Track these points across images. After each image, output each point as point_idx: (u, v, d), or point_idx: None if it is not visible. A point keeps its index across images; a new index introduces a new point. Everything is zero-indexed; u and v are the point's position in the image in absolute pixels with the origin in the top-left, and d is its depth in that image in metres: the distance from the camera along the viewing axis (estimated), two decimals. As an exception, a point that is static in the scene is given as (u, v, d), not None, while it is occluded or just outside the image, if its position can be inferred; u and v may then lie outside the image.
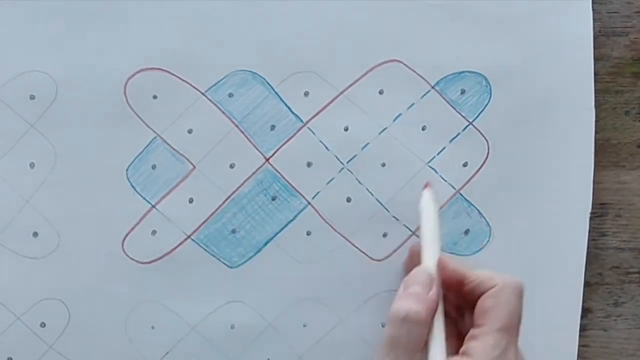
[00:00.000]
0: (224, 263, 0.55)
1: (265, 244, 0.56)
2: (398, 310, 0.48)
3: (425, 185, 0.53)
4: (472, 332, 0.49)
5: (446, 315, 0.50)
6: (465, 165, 0.57)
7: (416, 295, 0.49)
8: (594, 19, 0.57)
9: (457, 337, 0.51)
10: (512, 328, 0.49)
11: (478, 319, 0.49)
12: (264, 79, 0.55)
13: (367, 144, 0.56)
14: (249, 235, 0.56)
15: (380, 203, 0.56)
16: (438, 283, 0.50)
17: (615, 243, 0.59)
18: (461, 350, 0.49)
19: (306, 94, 0.56)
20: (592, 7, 0.57)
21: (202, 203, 0.55)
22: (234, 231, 0.55)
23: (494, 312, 0.49)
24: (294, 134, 0.56)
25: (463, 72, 0.56)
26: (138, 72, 0.54)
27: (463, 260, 0.56)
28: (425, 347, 0.48)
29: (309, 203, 0.56)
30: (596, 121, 0.57)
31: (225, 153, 0.55)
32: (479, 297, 0.49)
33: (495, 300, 0.49)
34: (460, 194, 0.57)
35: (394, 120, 0.56)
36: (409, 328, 0.48)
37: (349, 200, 0.56)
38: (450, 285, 0.51)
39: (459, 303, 0.51)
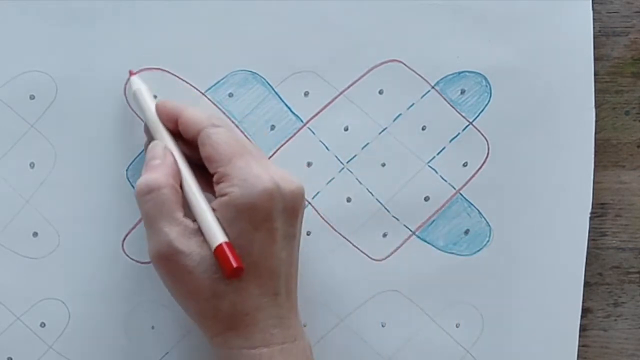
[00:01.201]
0: (224, 263, 0.55)
1: (265, 244, 0.56)
2: (138, 185, 0.49)
3: (131, 73, 0.54)
4: (214, 178, 0.49)
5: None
6: (465, 165, 0.57)
7: (153, 167, 0.50)
8: (594, 19, 0.57)
9: None
10: (237, 155, 0.49)
11: (208, 165, 0.50)
12: (264, 79, 0.55)
13: (367, 144, 0.56)
14: (249, 235, 0.55)
15: (380, 203, 0.56)
16: (173, 150, 0.50)
17: (615, 243, 0.59)
18: (216, 194, 0.49)
19: (306, 94, 0.56)
20: (592, 7, 0.57)
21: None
22: (234, 231, 0.55)
23: (214, 157, 0.49)
24: (294, 134, 0.56)
25: (463, 72, 0.56)
26: (138, 72, 0.54)
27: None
28: (183, 207, 0.49)
29: (309, 203, 0.56)
30: (596, 121, 0.57)
31: (225, 153, 0.55)
32: (196, 140, 0.50)
33: (206, 146, 0.50)
34: (460, 194, 0.57)
35: (394, 120, 0.56)
36: (154, 196, 0.48)
37: (349, 200, 0.56)
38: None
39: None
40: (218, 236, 0.48)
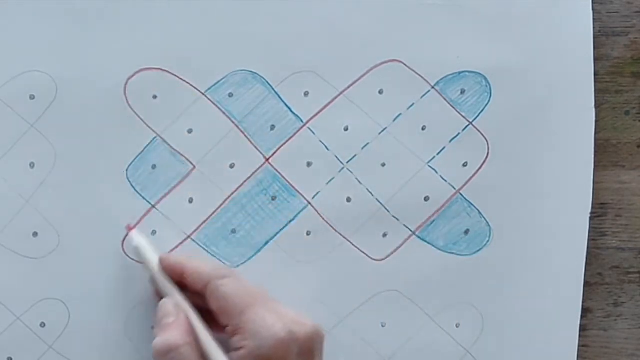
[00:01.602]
0: (224, 263, 0.55)
1: (265, 244, 0.56)
2: (156, 346, 0.50)
3: (129, 228, 0.54)
4: (226, 330, 0.50)
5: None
6: (465, 165, 0.57)
7: (167, 326, 0.50)
8: (594, 19, 0.57)
9: None
10: (248, 307, 0.50)
11: (220, 318, 0.50)
12: (264, 79, 0.55)
13: (367, 144, 0.56)
14: (249, 235, 0.56)
15: (380, 203, 0.56)
16: (184, 306, 0.51)
17: (615, 243, 0.59)
18: (231, 348, 0.50)
19: (306, 94, 0.56)
20: (592, 7, 0.57)
21: (202, 203, 0.55)
22: (234, 231, 0.55)
23: (224, 310, 0.50)
24: (294, 134, 0.56)
25: (463, 72, 0.56)
26: (138, 72, 0.54)
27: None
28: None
29: (309, 203, 0.56)
30: (596, 121, 0.57)
31: (225, 153, 0.55)
32: (204, 292, 0.51)
33: (215, 300, 0.50)
34: (460, 194, 0.57)
35: (394, 120, 0.56)
36: (174, 356, 0.49)
37: (349, 200, 0.56)
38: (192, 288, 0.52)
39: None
40: None
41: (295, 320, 0.50)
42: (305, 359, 0.50)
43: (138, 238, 0.54)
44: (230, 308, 0.50)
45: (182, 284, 0.52)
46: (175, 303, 0.51)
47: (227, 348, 0.50)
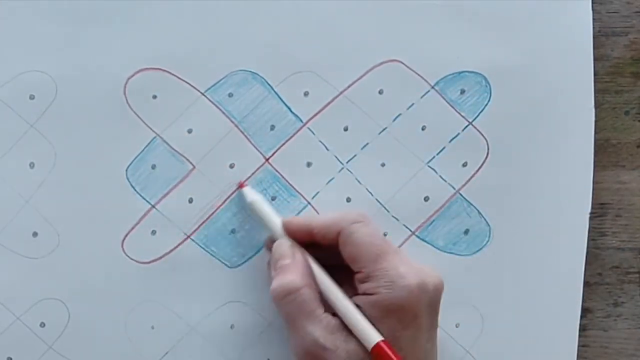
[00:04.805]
0: (223, 263, 0.55)
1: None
2: (275, 289, 0.50)
3: (240, 185, 0.54)
4: (357, 276, 0.50)
5: (334, 265, 0.51)
6: (465, 165, 0.57)
7: (284, 267, 0.50)
8: (593, 19, 0.57)
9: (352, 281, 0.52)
10: (381, 255, 0.50)
11: (352, 264, 0.50)
12: (264, 79, 0.55)
13: (367, 144, 0.56)
14: (248, 235, 0.56)
15: (380, 203, 0.56)
16: (298, 247, 0.51)
17: (615, 243, 0.59)
18: (360, 292, 0.50)
19: (306, 94, 0.56)
20: (592, 7, 0.57)
21: (202, 203, 0.55)
22: (233, 231, 0.55)
23: (358, 256, 0.50)
24: (294, 134, 0.56)
25: (463, 72, 0.56)
26: (138, 72, 0.54)
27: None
28: (321, 302, 0.50)
29: (309, 203, 0.56)
30: (596, 121, 0.57)
31: (225, 153, 0.55)
32: (336, 242, 0.51)
33: (349, 245, 0.50)
34: (460, 194, 0.57)
35: (394, 120, 0.56)
36: (294, 297, 0.49)
37: (348, 200, 0.56)
38: (314, 238, 0.52)
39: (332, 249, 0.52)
40: (373, 335, 0.49)
41: (425, 272, 0.50)
42: (433, 308, 0.51)
43: (253, 194, 0.54)
44: (364, 254, 0.50)
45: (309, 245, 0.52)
46: (290, 244, 0.51)
47: (350, 292, 0.50)
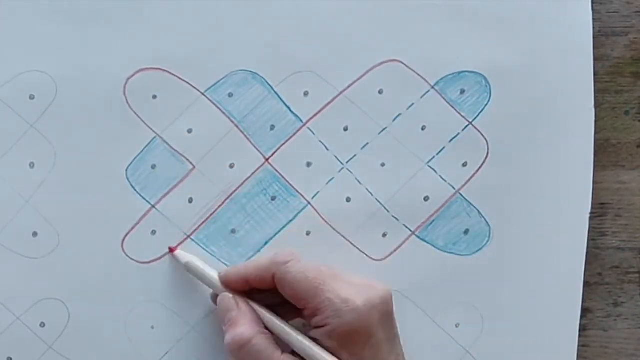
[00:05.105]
0: (223, 263, 0.55)
1: (265, 244, 0.56)
2: (229, 344, 0.50)
3: (171, 250, 0.55)
4: (304, 313, 0.51)
5: (283, 303, 0.52)
6: (465, 165, 0.57)
7: (232, 320, 0.51)
8: (593, 19, 0.57)
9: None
10: (319, 287, 0.50)
11: (295, 303, 0.51)
12: (264, 79, 0.55)
13: (367, 143, 0.56)
14: (248, 235, 0.56)
15: (380, 203, 0.56)
16: (241, 297, 0.52)
17: (615, 243, 0.59)
18: (313, 325, 0.50)
19: (306, 94, 0.56)
20: (592, 7, 0.57)
21: (202, 203, 0.55)
22: (233, 231, 0.55)
23: (298, 295, 0.50)
24: (294, 134, 0.56)
25: (463, 72, 0.56)
26: (138, 72, 0.54)
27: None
28: (278, 345, 0.50)
29: (309, 203, 0.56)
30: (596, 121, 0.57)
31: (225, 153, 0.55)
32: (274, 285, 0.51)
33: (286, 287, 0.51)
34: (460, 194, 0.57)
35: (394, 120, 0.56)
36: (248, 350, 0.50)
37: (348, 200, 0.56)
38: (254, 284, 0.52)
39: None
40: None
41: (367, 286, 0.51)
42: (386, 320, 0.51)
43: (186, 256, 0.54)
44: (302, 292, 0.50)
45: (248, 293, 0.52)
46: (232, 296, 0.52)
47: (304, 330, 0.51)
